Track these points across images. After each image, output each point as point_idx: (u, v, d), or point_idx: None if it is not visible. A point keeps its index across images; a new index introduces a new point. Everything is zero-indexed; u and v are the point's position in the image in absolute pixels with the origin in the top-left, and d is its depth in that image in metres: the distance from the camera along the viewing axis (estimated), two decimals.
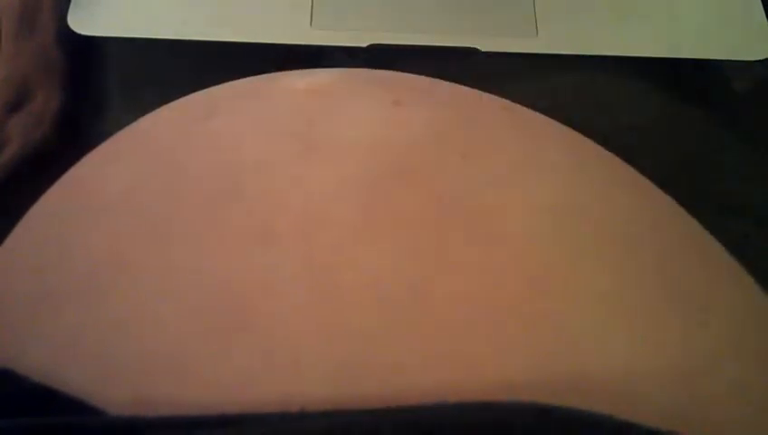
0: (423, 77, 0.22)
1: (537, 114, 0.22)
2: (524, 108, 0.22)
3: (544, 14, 0.34)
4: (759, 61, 0.33)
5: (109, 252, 0.17)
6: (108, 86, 0.33)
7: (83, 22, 0.33)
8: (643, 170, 0.21)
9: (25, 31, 0.33)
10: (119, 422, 0.14)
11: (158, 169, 0.19)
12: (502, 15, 0.34)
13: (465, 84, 0.23)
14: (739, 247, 0.20)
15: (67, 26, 0.33)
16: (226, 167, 0.18)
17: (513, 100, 0.22)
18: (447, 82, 0.22)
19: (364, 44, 0.33)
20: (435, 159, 0.18)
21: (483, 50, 0.33)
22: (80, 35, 0.33)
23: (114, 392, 0.15)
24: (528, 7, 0.34)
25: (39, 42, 0.33)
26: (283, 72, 0.22)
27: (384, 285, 0.16)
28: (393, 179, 0.18)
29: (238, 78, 0.23)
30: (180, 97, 0.22)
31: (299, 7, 0.33)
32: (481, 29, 0.33)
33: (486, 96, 0.22)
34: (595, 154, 0.21)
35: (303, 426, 0.13)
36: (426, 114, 0.20)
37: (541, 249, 0.17)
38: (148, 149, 0.20)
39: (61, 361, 0.16)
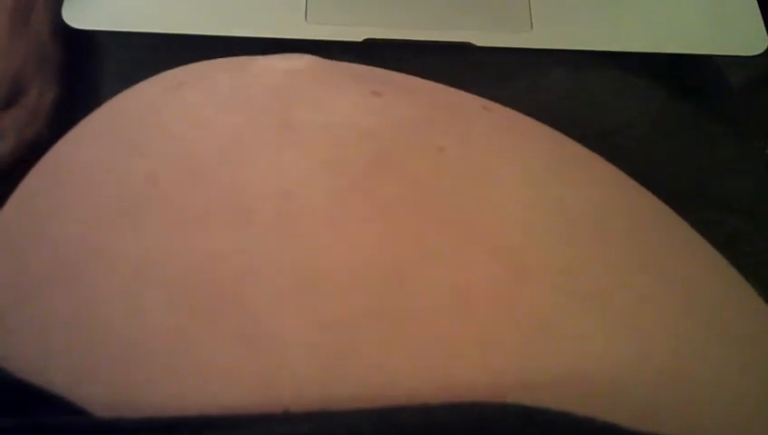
0: (404, 74, 0.22)
1: (517, 114, 0.21)
2: (505, 108, 0.21)
3: (539, 9, 0.34)
4: (753, 56, 0.34)
5: (82, 238, 0.17)
6: (102, 80, 0.33)
7: (78, 16, 0.33)
8: (637, 165, 0.21)
9: (19, 25, 0.33)
10: (99, 425, 0.14)
11: (130, 150, 0.19)
12: (496, 10, 0.34)
13: (459, 79, 0.23)
14: (732, 242, 0.21)
15: (61, 20, 0.33)
16: (201, 144, 0.18)
17: (507, 94, 0.22)
18: (429, 81, 0.22)
19: (359, 39, 0.33)
20: (412, 149, 0.18)
21: (477, 44, 0.33)
22: (74, 29, 0.33)
23: (93, 389, 0.15)
24: (523, 2, 0.34)
25: (33, 36, 0.33)
26: (261, 56, 0.22)
27: (362, 272, 0.16)
28: (370, 166, 0.17)
29: None
30: None
31: (294, 1, 0.33)
32: (475, 24, 0.33)
33: (467, 95, 0.22)
34: (575, 152, 0.21)
35: (287, 430, 0.13)
36: (404, 106, 0.19)
37: (516, 243, 0.17)
38: (119, 130, 0.19)
39: (38, 354, 0.16)
